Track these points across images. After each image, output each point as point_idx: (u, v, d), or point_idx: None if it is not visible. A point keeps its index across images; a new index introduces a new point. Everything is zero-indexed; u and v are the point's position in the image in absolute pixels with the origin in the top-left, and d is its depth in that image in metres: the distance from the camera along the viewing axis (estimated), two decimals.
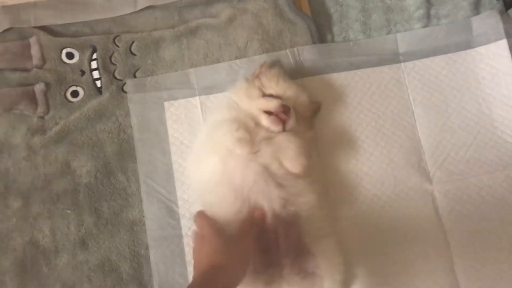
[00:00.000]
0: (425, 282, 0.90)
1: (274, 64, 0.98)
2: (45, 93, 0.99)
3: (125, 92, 1.00)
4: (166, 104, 1.00)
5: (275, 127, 0.82)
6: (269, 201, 0.79)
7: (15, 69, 1.01)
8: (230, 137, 0.79)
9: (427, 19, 1.04)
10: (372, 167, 0.95)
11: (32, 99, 0.98)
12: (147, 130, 0.98)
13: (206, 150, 0.84)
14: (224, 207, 0.80)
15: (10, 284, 0.92)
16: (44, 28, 1.03)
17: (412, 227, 0.93)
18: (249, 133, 0.80)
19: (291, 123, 0.83)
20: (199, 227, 0.75)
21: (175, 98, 1.00)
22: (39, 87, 0.99)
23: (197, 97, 1.00)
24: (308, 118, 0.92)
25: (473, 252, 0.91)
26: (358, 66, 1.00)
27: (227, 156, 0.80)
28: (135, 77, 1.02)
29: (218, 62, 1.02)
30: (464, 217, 0.93)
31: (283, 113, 0.83)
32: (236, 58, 1.01)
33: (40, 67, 1.01)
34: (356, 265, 0.91)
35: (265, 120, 0.82)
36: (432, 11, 1.04)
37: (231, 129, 0.80)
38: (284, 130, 0.82)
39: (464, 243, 0.92)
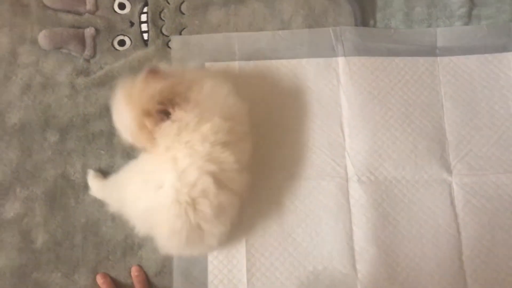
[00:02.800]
0: (432, 266, 0.93)
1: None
2: (94, 38, 1.04)
3: (170, 48, 1.04)
4: (207, 64, 1.04)
5: None
6: None
7: (69, 12, 1.06)
8: None
9: (468, 18, 1.06)
10: (396, 151, 0.99)
11: (81, 42, 1.03)
12: None
13: None
14: None
15: (39, 211, 0.96)
16: None
17: (426, 213, 0.96)
18: None
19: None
20: None
21: (216, 60, 1.04)
22: (89, 31, 1.04)
23: (237, 62, 1.04)
24: None
25: (482, 246, 0.94)
26: (395, 54, 1.03)
27: None
28: (180, 34, 1.06)
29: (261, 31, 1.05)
30: (478, 211, 0.96)
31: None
32: (279, 29, 1.05)
33: (92, 13, 1.06)
34: (367, 241, 0.94)
35: None
36: (475, 11, 1.07)
37: None
38: None
39: (475, 235, 0.95)
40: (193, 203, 0.77)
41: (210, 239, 0.82)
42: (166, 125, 0.77)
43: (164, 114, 0.78)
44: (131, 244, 0.95)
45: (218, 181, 0.78)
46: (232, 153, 0.79)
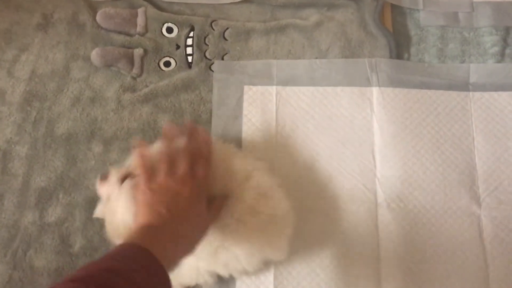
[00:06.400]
0: None
1: None
2: (142, 58, 1.11)
3: (212, 71, 1.10)
4: (245, 87, 1.09)
5: None
6: None
7: (120, 32, 1.14)
8: None
9: (501, 57, 1.10)
10: (426, 180, 1.01)
11: (130, 61, 1.10)
12: (224, 107, 1.07)
13: None
14: None
15: (78, 217, 1.01)
16: (152, 2, 1.16)
17: (454, 244, 0.97)
18: None
19: None
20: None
21: (254, 84, 1.09)
22: (138, 52, 1.11)
23: (274, 87, 1.09)
24: None
25: (510, 280, 0.94)
26: (428, 86, 1.07)
27: None
28: (223, 59, 1.12)
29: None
30: (506, 244, 0.96)
31: None
32: (316, 58, 1.10)
33: (142, 35, 1.13)
34: (394, 267, 0.95)
35: None
36: (507, 51, 1.10)
37: None
38: None
39: (503, 269, 0.95)
40: None
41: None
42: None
43: None
44: None
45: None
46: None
